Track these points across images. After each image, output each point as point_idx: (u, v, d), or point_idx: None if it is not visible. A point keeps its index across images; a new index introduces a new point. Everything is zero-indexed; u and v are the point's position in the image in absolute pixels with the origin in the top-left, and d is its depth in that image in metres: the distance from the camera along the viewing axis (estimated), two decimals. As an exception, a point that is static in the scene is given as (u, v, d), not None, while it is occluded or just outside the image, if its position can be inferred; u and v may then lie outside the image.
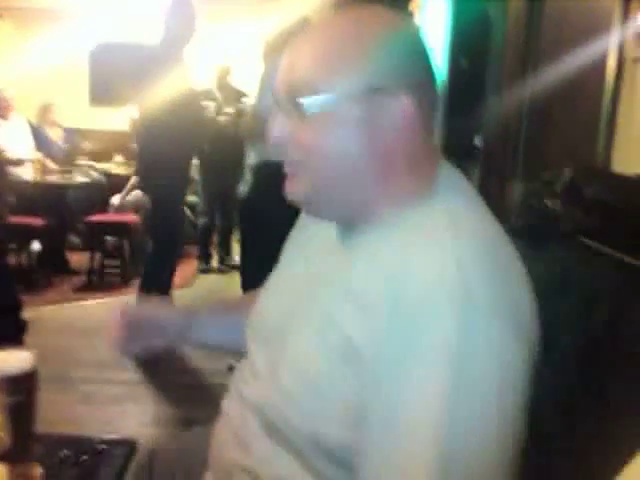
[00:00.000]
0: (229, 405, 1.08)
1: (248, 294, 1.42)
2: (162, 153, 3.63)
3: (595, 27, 1.90)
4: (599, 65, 1.79)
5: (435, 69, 0.89)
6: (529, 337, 0.83)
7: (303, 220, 1.13)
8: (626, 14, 1.69)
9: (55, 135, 6.32)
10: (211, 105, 4.60)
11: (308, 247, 1.05)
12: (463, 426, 0.74)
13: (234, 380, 1.11)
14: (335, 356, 0.82)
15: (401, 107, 0.84)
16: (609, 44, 1.75)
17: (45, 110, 6.30)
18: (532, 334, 0.84)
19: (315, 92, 0.84)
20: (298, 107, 0.85)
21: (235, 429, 1.01)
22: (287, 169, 0.92)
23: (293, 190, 0.91)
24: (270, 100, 0.94)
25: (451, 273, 0.76)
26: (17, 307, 3.47)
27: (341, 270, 0.90)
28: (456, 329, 0.74)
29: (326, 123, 0.85)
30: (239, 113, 4.32)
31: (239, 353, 1.14)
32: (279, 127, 0.89)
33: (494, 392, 0.75)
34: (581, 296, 1.22)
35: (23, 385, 1.00)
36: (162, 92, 3.48)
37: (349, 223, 0.93)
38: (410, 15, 3.33)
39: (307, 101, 0.84)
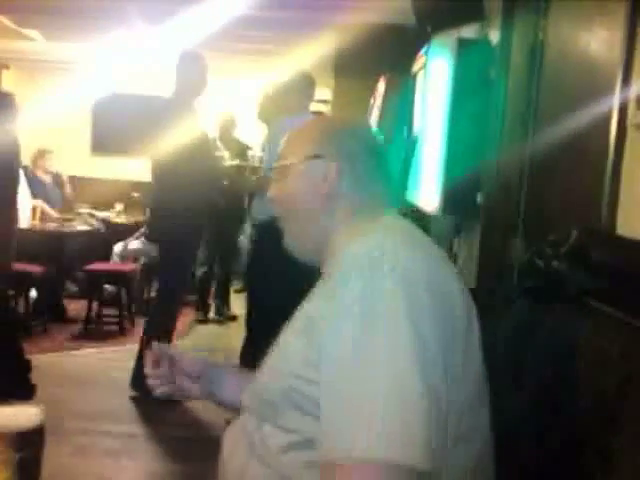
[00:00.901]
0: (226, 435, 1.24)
1: None
2: (178, 203, 3.65)
3: (596, 90, 1.94)
4: (601, 128, 1.83)
5: (370, 148, 1.29)
6: (447, 308, 1.00)
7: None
8: (627, 79, 1.73)
9: (47, 181, 6.37)
10: (226, 155, 4.65)
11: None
12: (373, 356, 0.93)
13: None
14: (300, 331, 1.08)
15: (328, 169, 1.23)
16: (611, 108, 1.78)
17: (39, 156, 6.35)
18: (454, 307, 1.02)
19: (284, 159, 1.29)
20: (275, 172, 1.32)
21: (237, 439, 1.17)
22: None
23: (285, 242, 1.30)
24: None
25: (376, 245, 1.03)
26: (27, 369, 3.42)
27: (315, 290, 1.18)
28: (361, 287, 0.97)
29: (285, 180, 1.28)
30: (245, 167, 4.37)
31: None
32: (270, 190, 1.33)
33: (402, 331, 0.93)
34: (588, 359, 1.22)
35: (31, 441, 0.99)
36: (177, 141, 3.52)
37: (318, 255, 1.25)
38: (413, 77, 3.41)
39: (276, 166, 1.31)
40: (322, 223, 1.24)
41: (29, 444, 0.98)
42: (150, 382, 1.38)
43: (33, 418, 1.00)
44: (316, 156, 1.25)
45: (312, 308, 1.11)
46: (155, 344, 1.39)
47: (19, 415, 1.00)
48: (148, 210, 4.54)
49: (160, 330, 3.78)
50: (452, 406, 0.95)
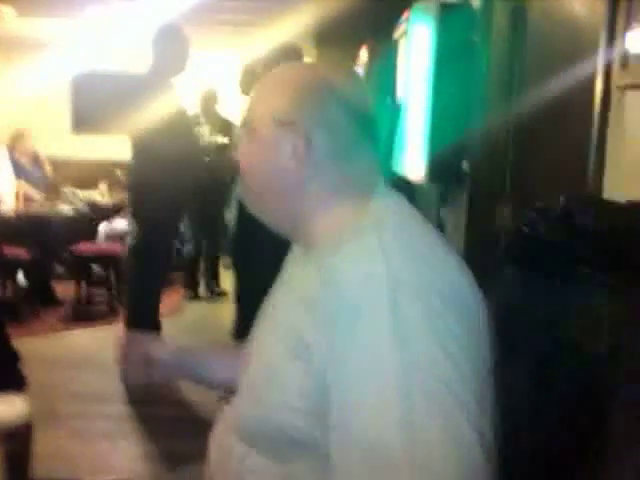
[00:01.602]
0: (213, 434, 1.16)
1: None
2: (156, 180, 3.60)
3: (580, 52, 1.92)
4: (585, 90, 1.81)
5: (356, 113, 1.03)
6: (462, 311, 0.90)
7: (290, 256, 1.21)
8: (612, 39, 1.71)
9: (27, 163, 6.28)
10: (205, 130, 4.59)
11: (286, 271, 1.18)
12: (416, 399, 0.82)
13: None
14: (294, 357, 0.93)
15: (299, 140, 1.01)
16: (595, 69, 1.76)
17: (18, 137, 6.25)
18: (469, 312, 0.92)
19: (251, 119, 1.07)
20: (245, 132, 1.09)
21: (219, 452, 1.10)
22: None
23: (245, 200, 1.12)
24: None
25: (379, 269, 0.88)
26: (16, 359, 3.37)
27: (294, 284, 1.06)
28: (388, 312, 0.84)
29: (252, 142, 1.07)
30: (228, 145, 4.32)
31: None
32: (238, 150, 1.12)
33: (438, 360, 0.84)
34: (578, 325, 1.22)
35: (18, 435, 0.98)
36: (155, 119, 3.46)
37: (295, 239, 1.11)
38: (394, 43, 3.36)
39: (247, 126, 1.08)
40: (290, 205, 1.05)
41: (15, 438, 0.97)
42: (123, 374, 1.36)
43: (18, 412, 0.99)
44: (284, 123, 1.02)
45: (300, 323, 0.94)
46: (125, 337, 1.38)
47: (4, 409, 0.98)
48: (127, 188, 4.48)
49: (142, 313, 3.76)
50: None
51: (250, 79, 3.93)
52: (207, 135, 4.48)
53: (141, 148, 3.71)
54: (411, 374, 0.82)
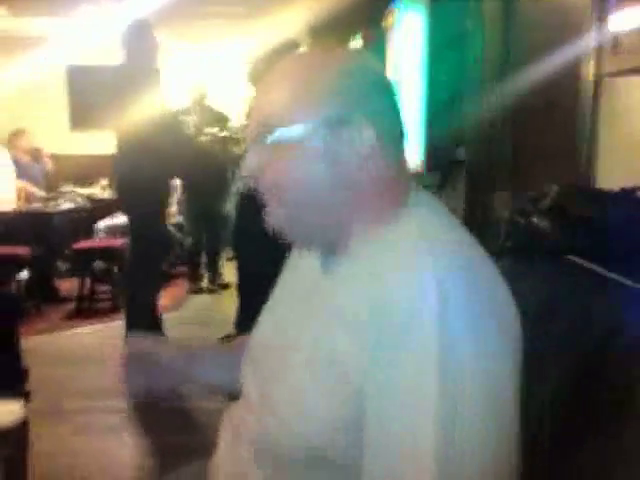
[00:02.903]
0: (224, 441, 1.09)
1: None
2: (139, 173, 3.61)
3: (571, 37, 1.91)
4: (577, 77, 1.80)
5: (394, 100, 0.94)
6: (513, 346, 0.85)
7: (294, 255, 1.16)
8: (602, 25, 1.70)
9: (27, 160, 6.29)
10: (189, 121, 4.58)
11: (296, 274, 1.09)
12: (456, 432, 0.76)
13: (228, 415, 1.13)
14: (321, 373, 0.86)
15: (360, 137, 0.89)
16: (587, 55, 1.75)
17: (17, 135, 6.25)
18: (517, 343, 0.86)
19: (282, 124, 0.90)
20: (266, 140, 0.91)
21: (231, 466, 1.03)
22: (264, 201, 0.96)
23: (270, 219, 0.96)
24: None
25: (431, 294, 0.79)
26: (17, 356, 3.38)
27: (326, 297, 0.93)
28: (437, 339, 0.77)
29: (291, 154, 0.90)
30: (226, 137, 4.31)
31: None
32: (251, 160, 0.95)
33: (483, 395, 0.78)
34: (570, 314, 1.22)
35: (14, 438, 0.98)
36: (136, 111, 3.47)
37: (327, 250, 0.97)
38: (384, 31, 3.35)
39: (273, 134, 0.90)
40: (335, 215, 0.93)
41: (11, 442, 0.97)
42: (127, 387, 1.24)
43: (14, 416, 0.99)
44: (339, 121, 0.89)
45: (333, 340, 0.86)
46: (127, 348, 1.26)
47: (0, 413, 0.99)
48: (114, 182, 4.50)
49: (139, 306, 3.77)
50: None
51: (258, 72, 3.92)
52: (192, 125, 4.46)
53: (123, 142, 3.73)
54: (457, 416, 0.77)
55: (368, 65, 0.96)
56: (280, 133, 0.90)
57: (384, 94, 0.93)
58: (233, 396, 3.59)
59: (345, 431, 0.84)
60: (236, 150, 3.73)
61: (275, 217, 0.95)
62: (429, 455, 0.76)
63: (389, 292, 0.82)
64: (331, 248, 0.96)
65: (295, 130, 0.89)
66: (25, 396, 2.56)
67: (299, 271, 1.09)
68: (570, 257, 1.28)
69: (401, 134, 0.95)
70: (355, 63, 0.95)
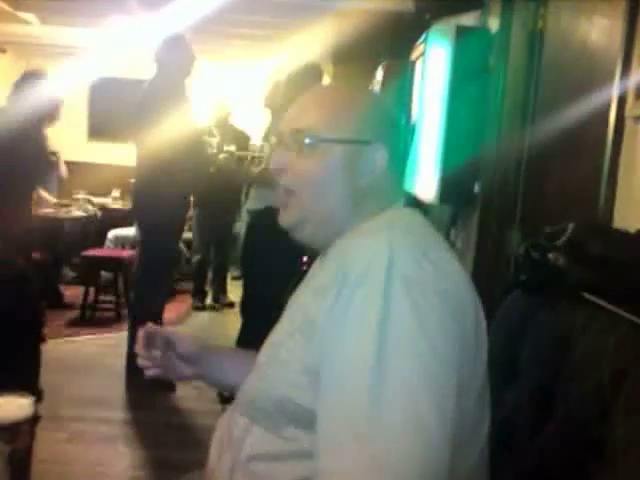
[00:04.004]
0: (219, 426, 1.19)
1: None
2: (161, 189, 3.62)
3: (595, 81, 1.93)
4: (599, 119, 1.82)
5: (405, 138, 1.22)
6: (462, 320, 0.95)
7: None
8: (627, 71, 1.72)
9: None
10: (214, 142, 4.62)
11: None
12: (391, 380, 0.87)
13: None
14: (297, 332, 1.01)
15: (374, 157, 1.09)
16: (610, 99, 1.77)
17: None
18: (464, 319, 0.97)
19: (316, 134, 1.09)
20: (299, 143, 1.09)
21: (223, 437, 1.13)
22: (282, 199, 1.13)
23: (285, 218, 1.14)
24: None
25: (383, 253, 0.94)
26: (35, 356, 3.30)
27: (313, 279, 1.13)
28: (380, 299, 0.90)
29: (319, 159, 1.09)
30: (245, 157, 4.34)
31: None
32: (279, 157, 1.13)
33: (419, 352, 0.89)
34: (585, 353, 1.22)
35: (22, 432, 0.98)
36: (162, 126, 3.48)
37: (326, 247, 1.12)
38: (412, 65, 3.38)
39: (308, 140, 1.09)
40: (342, 219, 1.10)
41: (20, 436, 0.97)
42: (141, 363, 1.29)
43: (24, 410, 0.99)
44: (363, 140, 1.09)
45: (308, 305, 1.02)
46: (149, 324, 1.31)
47: (9, 407, 0.99)
48: (131, 194, 4.51)
49: (146, 317, 3.76)
50: (456, 416, 0.91)
51: (275, 94, 3.95)
52: (215, 146, 4.50)
53: (145, 156, 3.74)
54: (388, 359, 0.87)
55: (390, 104, 1.23)
56: (314, 141, 1.08)
57: (399, 129, 1.17)
58: (225, 398, 3.58)
59: (309, 375, 0.95)
60: (253, 170, 3.75)
61: (289, 216, 1.12)
62: (365, 401, 0.86)
63: (349, 257, 0.98)
64: (328, 243, 1.11)
65: (327, 141, 1.08)
66: (37, 394, 2.56)
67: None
68: (585, 294, 1.28)
69: (404, 164, 1.19)
70: (381, 99, 1.27)
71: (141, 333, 1.28)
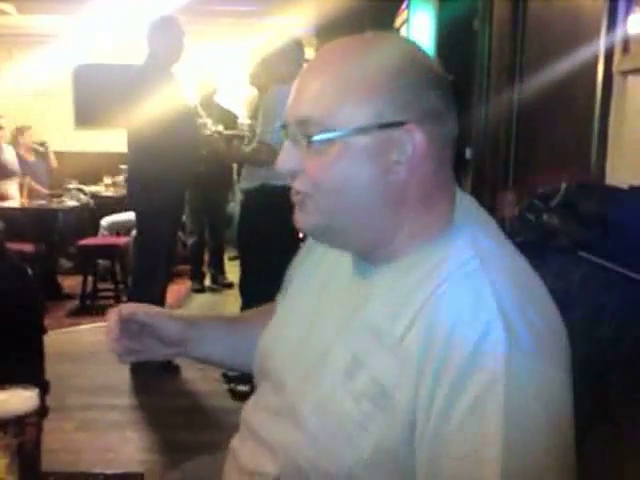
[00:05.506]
0: (240, 444, 1.04)
1: (251, 312, 1.39)
2: (155, 173, 3.60)
3: (582, 37, 1.91)
4: (587, 76, 1.81)
5: (449, 97, 0.86)
6: (568, 364, 0.82)
7: (310, 245, 1.11)
8: (612, 25, 1.71)
9: (31, 157, 6.32)
10: (208, 122, 4.59)
11: (318, 275, 1.03)
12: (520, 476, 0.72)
13: (245, 415, 1.06)
14: (364, 399, 0.81)
15: (411, 140, 0.82)
16: (597, 55, 1.76)
17: (19, 133, 6.27)
18: (569, 359, 0.83)
19: (324, 125, 0.83)
20: (308, 139, 0.84)
21: (249, 469, 0.97)
22: (295, 198, 0.90)
23: (301, 221, 0.90)
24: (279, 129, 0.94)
25: (489, 311, 0.75)
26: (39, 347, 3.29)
27: (361, 306, 0.88)
28: (503, 373, 0.72)
29: (334, 156, 0.83)
30: (234, 136, 4.32)
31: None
32: (288, 156, 0.88)
33: (546, 432, 0.74)
34: (583, 311, 1.22)
35: (30, 425, 0.99)
36: (154, 110, 3.45)
37: (366, 255, 0.91)
38: (396, 31, 3.35)
39: (316, 135, 0.83)
40: (380, 219, 0.86)
41: (27, 429, 0.98)
42: (115, 349, 1.09)
43: (31, 402, 0.99)
44: (388, 123, 0.82)
45: (375, 363, 0.82)
46: (122, 308, 1.10)
47: (16, 400, 0.99)
48: (126, 180, 4.49)
49: (147, 302, 3.76)
50: None
51: (260, 73, 3.92)
52: (210, 127, 4.47)
53: (140, 140, 3.72)
54: (514, 442, 0.72)
55: (418, 57, 0.87)
56: (322, 135, 0.83)
57: (436, 91, 0.84)
58: (230, 378, 3.58)
59: (383, 455, 0.79)
60: (244, 149, 3.73)
61: (307, 219, 0.89)
62: None
63: (445, 325, 0.76)
64: (368, 254, 0.90)
65: (337, 132, 0.82)
66: (44, 386, 2.57)
67: (323, 269, 1.02)
68: (581, 253, 1.28)
69: (453, 137, 0.87)
70: (404, 55, 0.86)
71: (114, 319, 1.08)
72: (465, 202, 0.91)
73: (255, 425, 1.00)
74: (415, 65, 0.85)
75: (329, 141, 0.83)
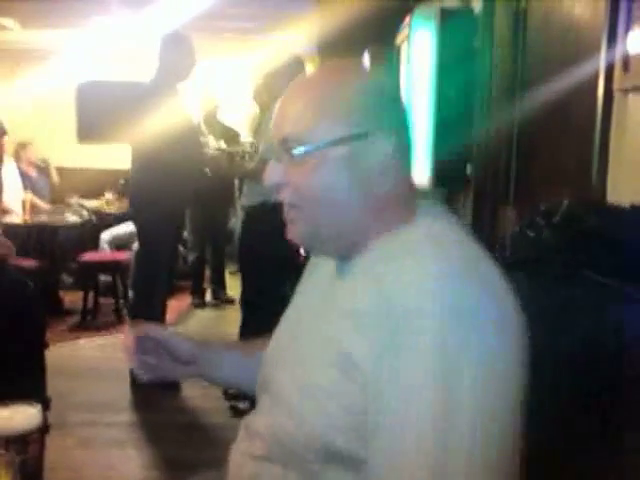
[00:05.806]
0: (235, 446, 1.10)
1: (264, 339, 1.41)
2: (158, 189, 3.61)
3: (582, 56, 1.93)
4: (587, 93, 1.82)
5: (407, 114, 1.00)
6: (517, 344, 0.87)
7: (311, 263, 1.18)
8: (613, 43, 1.72)
9: (33, 172, 6.34)
10: (211, 140, 4.61)
11: (312, 283, 1.13)
12: (457, 426, 0.80)
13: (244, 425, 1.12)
14: (336, 371, 0.89)
15: (381, 150, 0.94)
16: (597, 73, 1.77)
17: (20, 148, 6.29)
18: (520, 341, 0.88)
19: (303, 141, 0.95)
20: (289, 154, 0.96)
21: (242, 466, 1.05)
22: (286, 214, 1.01)
23: (292, 232, 1.01)
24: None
25: (431, 285, 0.85)
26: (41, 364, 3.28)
27: (338, 296, 0.98)
28: (440, 339, 0.81)
29: (314, 168, 0.95)
30: (236, 153, 4.34)
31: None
32: (273, 172, 1.00)
33: (482, 392, 0.82)
34: (581, 327, 1.22)
35: (32, 442, 0.99)
36: (158, 127, 3.47)
37: (344, 256, 1.01)
38: (397, 49, 3.38)
39: (296, 149, 0.95)
40: (355, 222, 0.97)
41: (30, 446, 0.97)
42: (134, 369, 1.19)
43: (33, 419, 0.99)
44: (359, 135, 0.94)
45: (341, 336, 0.90)
46: (139, 327, 1.20)
47: (19, 417, 0.99)
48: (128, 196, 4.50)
49: (147, 318, 3.76)
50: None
51: (261, 90, 3.93)
52: (213, 144, 4.49)
53: (143, 156, 3.73)
54: (450, 416, 0.80)
55: (383, 81, 1.03)
56: (302, 149, 0.94)
57: (397, 109, 1.00)
58: (231, 395, 3.57)
59: (351, 416, 0.88)
60: (246, 165, 3.74)
61: (296, 231, 1.00)
62: (426, 454, 0.80)
63: (391, 287, 0.87)
64: (347, 254, 1.00)
65: (315, 146, 0.94)
66: (45, 402, 2.57)
67: (315, 279, 1.12)
68: (581, 270, 1.28)
69: (410, 148, 1.00)
70: (371, 79, 1.02)
71: (131, 337, 1.17)
72: (428, 202, 1.02)
73: (250, 425, 1.09)
74: (378, 86, 1.00)
75: (308, 153, 0.94)
